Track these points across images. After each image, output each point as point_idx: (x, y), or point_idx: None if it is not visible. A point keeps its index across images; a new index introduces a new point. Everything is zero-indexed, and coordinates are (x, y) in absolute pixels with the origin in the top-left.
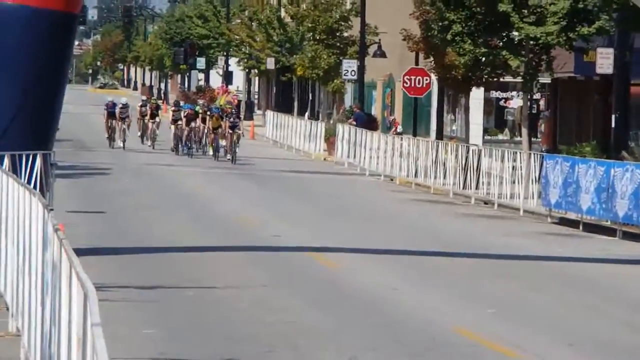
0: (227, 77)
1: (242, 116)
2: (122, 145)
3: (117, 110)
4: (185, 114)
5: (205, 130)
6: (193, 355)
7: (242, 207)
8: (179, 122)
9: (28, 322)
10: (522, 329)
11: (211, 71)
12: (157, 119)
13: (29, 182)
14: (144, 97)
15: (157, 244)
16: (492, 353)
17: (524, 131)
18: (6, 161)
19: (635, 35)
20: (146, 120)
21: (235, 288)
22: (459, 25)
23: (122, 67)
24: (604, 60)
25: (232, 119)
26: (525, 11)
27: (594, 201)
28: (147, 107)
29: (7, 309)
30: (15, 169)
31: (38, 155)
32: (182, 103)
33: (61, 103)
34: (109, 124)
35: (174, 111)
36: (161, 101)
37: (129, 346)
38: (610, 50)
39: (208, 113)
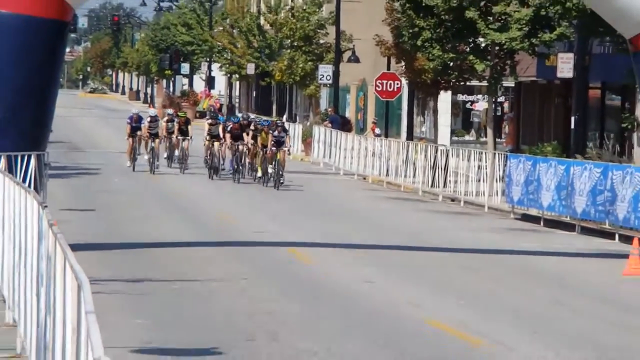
0: (210, 81)
1: (288, 130)
2: (149, 168)
3: (146, 125)
4: (230, 128)
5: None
6: (178, 343)
7: (224, 204)
8: (216, 138)
9: (24, 313)
10: (488, 319)
11: (194, 76)
12: (189, 137)
13: (24, 181)
14: (170, 111)
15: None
16: (461, 342)
17: (489, 132)
18: (3, 161)
19: (594, 41)
20: (174, 138)
21: (218, 281)
22: (428, 32)
23: (110, 72)
24: (565, 65)
25: (276, 133)
26: (491, 18)
27: (554, 198)
28: (175, 122)
29: (4, 301)
30: (11, 169)
31: (32, 156)
32: (222, 115)
33: (54, 107)
34: (133, 142)
35: (210, 124)
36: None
37: (118, 335)
38: (570, 55)
39: (257, 127)
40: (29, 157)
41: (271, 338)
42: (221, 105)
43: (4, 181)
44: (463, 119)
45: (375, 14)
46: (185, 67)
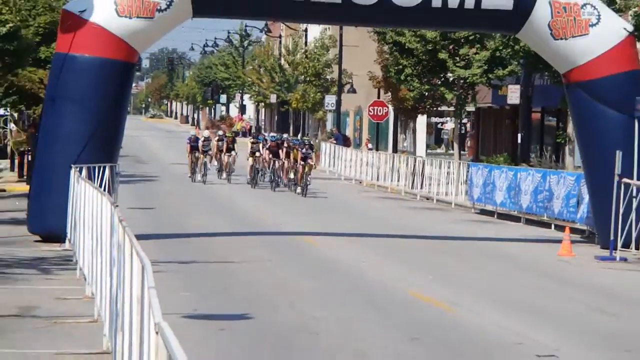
0: (242, 108)
1: (314, 147)
2: (202, 179)
3: (200, 144)
4: (267, 146)
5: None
6: (217, 311)
7: (258, 205)
8: (257, 154)
9: (100, 288)
10: (457, 291)
11: (230, 104)
12: (233, 153)
13: (100, 186)
14: (221, 132)
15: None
16: (436, 309)
17: (455, 146)
18: (84, 171)
19: (536, 75)
20: (222, 154)
21: (248, 262)
22: (410, 69)
23: (166, 102)
24: (513, 94)
25: (304, 150)
26: (457, 58)
27: (505, 197)
28: (224, 141)
29: (85, 279)
30: (91, 177)
31: (107, 167)
32: (261, 135)
33: (123, 129)
34: (192, 158)
35: (252, 143)
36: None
37: (171, 305)
38: (518, 87)
39: (289, 145)
40: (104, 167)
41: (289, 307)
42: (251, 126)
43: (86, 187)
44: (435, 136)
45: (369, 55)
46: (223, 98)
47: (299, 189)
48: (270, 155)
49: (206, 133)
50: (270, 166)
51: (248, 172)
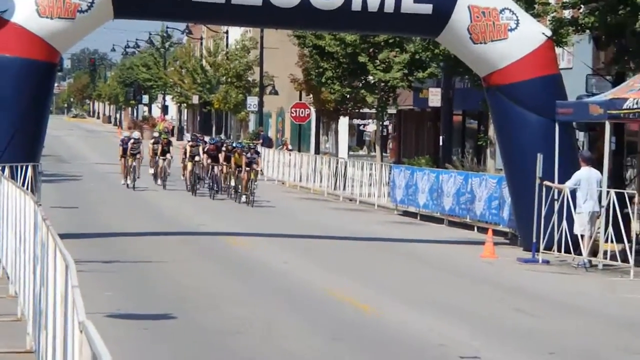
0: (164, 109)
1: (260, 151)
2: (131, 184)
3: (129, 146)
4: (206, 149)
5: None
6: (139, 310)
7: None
8: (197, 158)
9: (23, 287)
10: (378, 291)
11: (153, 105)
12: (168, 156)
13: (23, 185)
14: (156, 134)
15: None
16: (358, 309)
17: (377, 148)
18: (7, 171)
19: (456, 79)
20: (157, 158)
21: (171, 262)
22: (330, 72)
23: (88, 102)
24: (434, 97)
25: (249, 155)
26: (378, 61)
27: (428, 199)
28: (160, 144)
29: (8, 277)
30: (13, 176)
31: (29, 166)
32: (202, 137)
33: (45, 128)
34: (125, 163)
35: (191, 146)
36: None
37: (95, 304)
38: (438, 89)
39: (228, 148)
40: (27, 167)
41: (212, 307)
42: (173, 127)
43: (8, 186)
44: (357, 138)
45: (290, 58)
46: (145, 98)
47: (243, 198)
48: (209, 160)
49: (136, 134)
50: (209, 172)
51: (187, 177)
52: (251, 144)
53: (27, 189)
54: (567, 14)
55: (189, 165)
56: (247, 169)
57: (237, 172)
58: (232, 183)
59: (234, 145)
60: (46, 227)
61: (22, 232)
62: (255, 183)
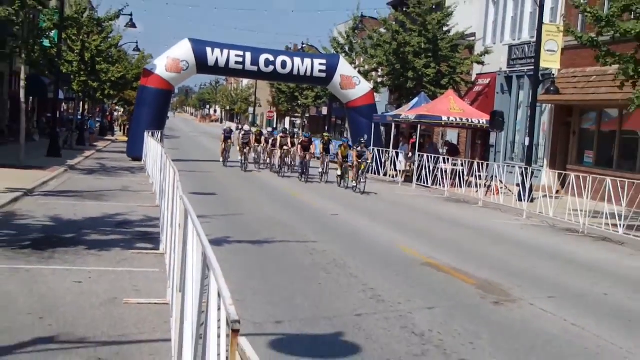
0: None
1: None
2: (241, 166)
3: (239, 136)
4: (300, 141)
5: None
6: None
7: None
8: (285, 148)
9: (159, 191)
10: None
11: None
12: (285, 148)
13: (155, 139)
14: (247, 127)
15: None
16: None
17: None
18: (149, 133)
19: (334, 103)
20: (259, 148)
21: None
22: (283, 98)
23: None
24: (325, 109)
25: (359, 149)
26: (304, 94)
27: None
28: (252, 135)
29: (149, 176)
30: (152, 135)
31: (159, 133)
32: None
33: (166, 118)
34: (225, 146)
35: (281, 137)
36: None
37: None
38: (326, 107)
39: (325, 139)
40: (158, 132)
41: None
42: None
43: (150, 139)
44: None
45: (267, 90)
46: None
47: (360, 187)
48: (303, 150)
49: (246, 127)
50: (303, 159)
51: (276, 162)
52: (362, 139)
53: (159, 141)
54: (377, 75)
55: (278, 152)
56: (359, 160)
57: (344, 162)
58: (340, 172)
59: (342, 140)
60: (165, 155)
61: (158, 161)
62: (366, 175)
